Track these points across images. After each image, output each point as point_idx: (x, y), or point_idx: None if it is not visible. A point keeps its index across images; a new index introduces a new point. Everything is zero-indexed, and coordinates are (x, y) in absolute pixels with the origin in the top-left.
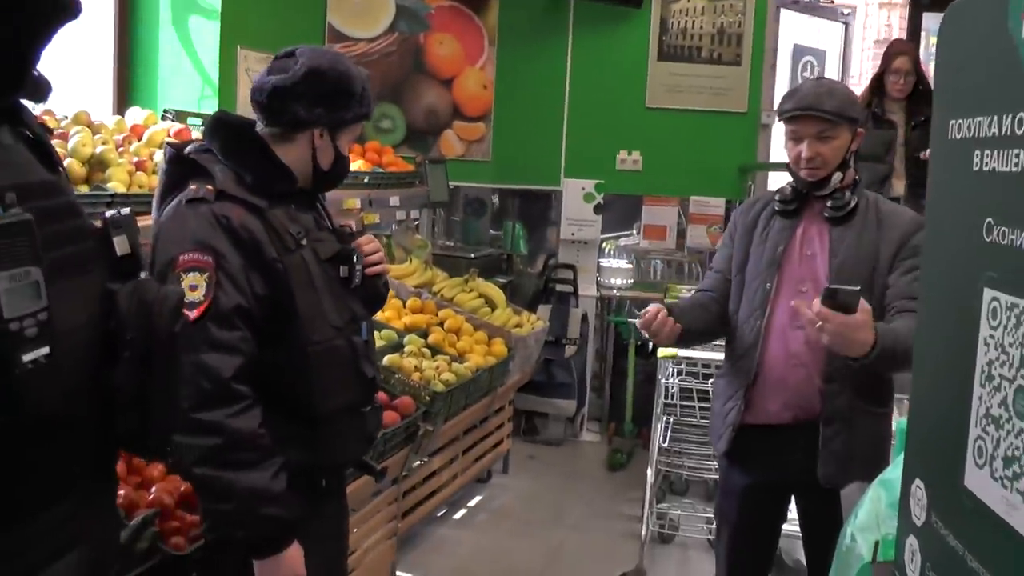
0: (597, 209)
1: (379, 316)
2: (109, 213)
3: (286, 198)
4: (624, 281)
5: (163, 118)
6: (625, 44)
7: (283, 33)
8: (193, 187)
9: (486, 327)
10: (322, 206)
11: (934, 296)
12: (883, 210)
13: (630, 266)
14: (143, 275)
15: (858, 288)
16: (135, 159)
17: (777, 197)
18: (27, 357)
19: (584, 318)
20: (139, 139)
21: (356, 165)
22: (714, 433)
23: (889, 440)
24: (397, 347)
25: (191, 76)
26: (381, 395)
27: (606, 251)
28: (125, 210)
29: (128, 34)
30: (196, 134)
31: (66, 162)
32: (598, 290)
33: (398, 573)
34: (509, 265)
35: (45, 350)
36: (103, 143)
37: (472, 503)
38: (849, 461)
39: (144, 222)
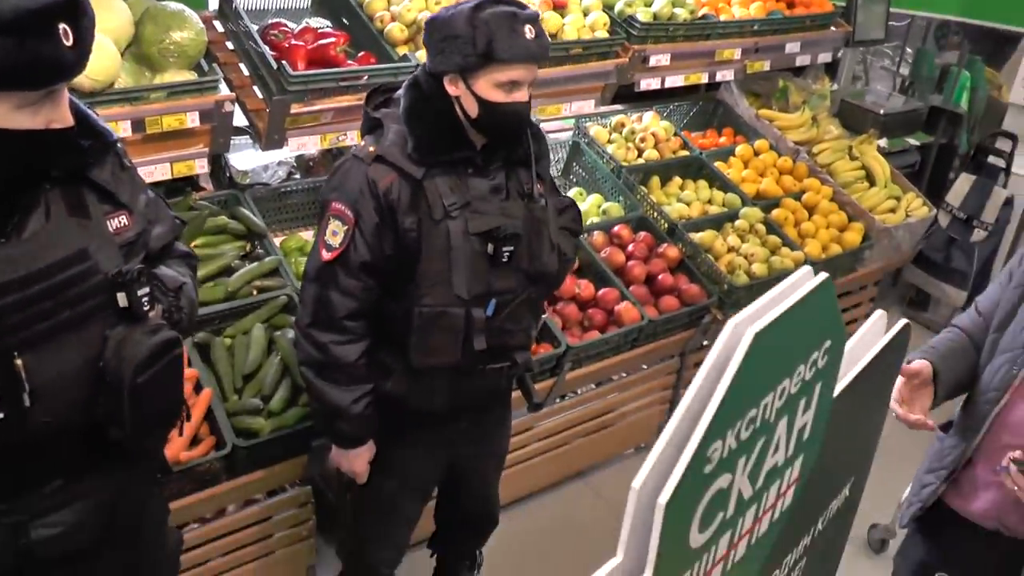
0: None
1: (736, 174)
2: (123, 268)
3: (459, 164)
4: None
5: None
6: None
7: None
8: (362, 143)
9: (850, 207)
10: (529, 167)
11: None
12: None
13: None
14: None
15: None
16: None
17: None
18: None
19: (1008, 202)
20: None
21: (751, 9)
22: (909, 496)
23: None
24: (731, 217)
25: None
26: (665, 280)
27: None
28: (136, 267)
29: None
30: None
31: (390, 26)
32: None
33: None
34: (938, 122)
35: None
36: (436, 4)
37: None
38: None
39: None
